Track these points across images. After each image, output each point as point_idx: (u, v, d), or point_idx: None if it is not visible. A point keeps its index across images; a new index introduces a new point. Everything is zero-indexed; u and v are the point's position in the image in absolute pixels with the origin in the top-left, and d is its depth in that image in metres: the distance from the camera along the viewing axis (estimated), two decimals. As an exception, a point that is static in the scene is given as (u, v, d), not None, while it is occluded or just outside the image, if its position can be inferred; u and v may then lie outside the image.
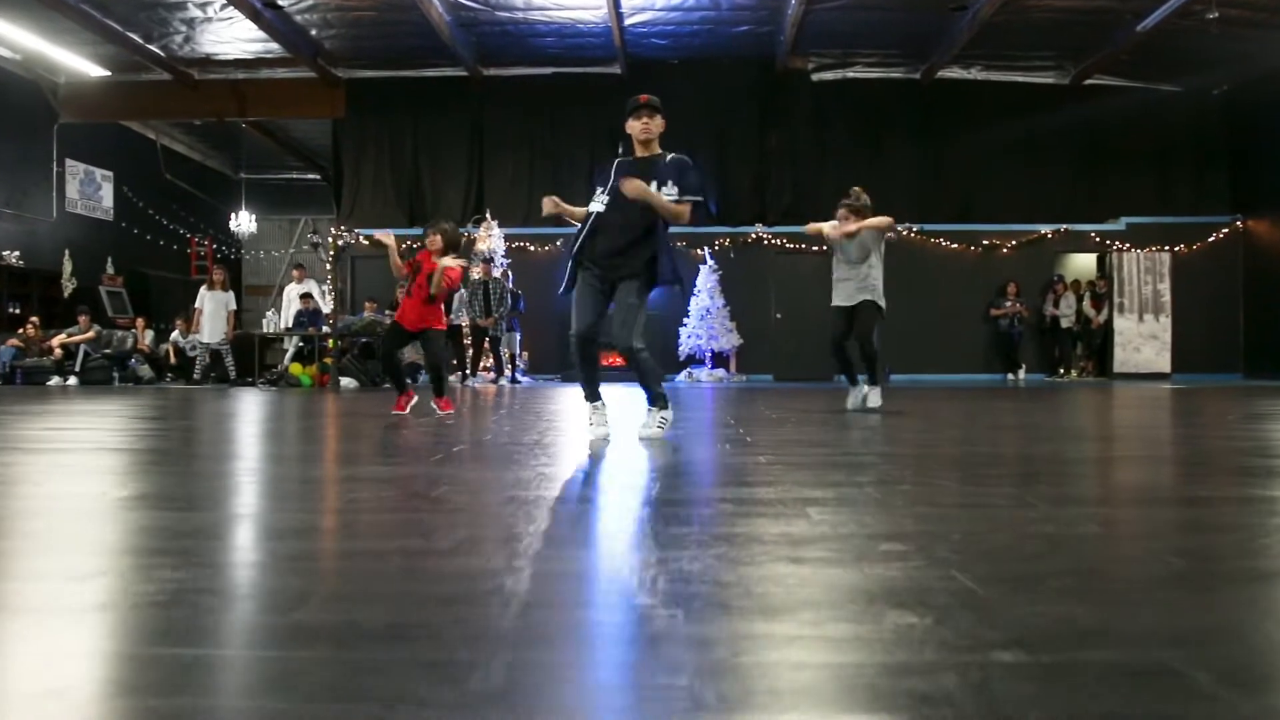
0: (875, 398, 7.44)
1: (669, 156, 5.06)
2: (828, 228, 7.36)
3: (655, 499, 3.00)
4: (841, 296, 7.45)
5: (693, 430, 5.85)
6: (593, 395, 5.17)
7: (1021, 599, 1.75)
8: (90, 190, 18.96)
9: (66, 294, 17.63)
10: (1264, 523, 2.63)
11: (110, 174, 19.43)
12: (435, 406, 7.07)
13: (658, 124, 5.04)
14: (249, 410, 8.41)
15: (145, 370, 14.91)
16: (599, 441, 4.89)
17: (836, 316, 7.50)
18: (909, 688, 1.28)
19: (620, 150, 5.29)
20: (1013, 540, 2.35)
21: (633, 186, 4.74)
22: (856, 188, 7.54)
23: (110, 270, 18.81)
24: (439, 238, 7.12)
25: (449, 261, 7.05)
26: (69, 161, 18.30)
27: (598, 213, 5.01)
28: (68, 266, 17.97)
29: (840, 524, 2.50)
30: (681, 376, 16.39)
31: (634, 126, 5.04)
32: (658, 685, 1.31)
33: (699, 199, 4.96)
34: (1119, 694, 1.27)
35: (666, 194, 4.88)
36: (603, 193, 5.03)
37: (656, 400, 5.12)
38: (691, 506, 2.86)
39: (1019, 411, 8.27)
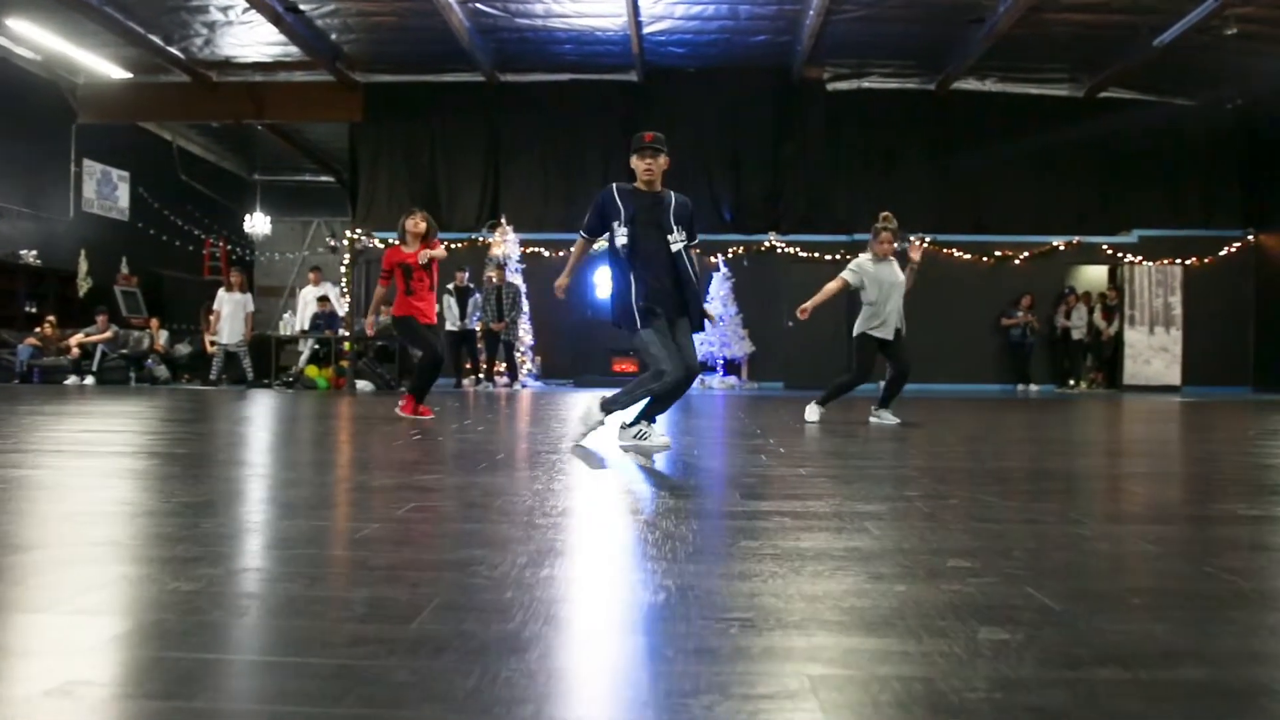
0: (890, 416, 7.57)
1: (674, 197, 5.20)
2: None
3: (716, 511, 3.07)
4: (888, 329, 7.45)
5: (724, 439, 5.91)
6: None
7: (1103, 617, 1.82)
8: (107, 190, 19.07)
9: (82, 293, 17.75)
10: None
11: (126, 174, 19.55)
12: (405, 412, 7.30)
13: (661, 164, 5.12)
14: (280, 412, 8.48)
15: (162, 370, 14.99)
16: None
17: (875, 350, 7.50)
18: (1024, 702, 1.36)
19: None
20: (1074, 557, 2.42)
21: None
22: (885, 213, 7.61)
23: (125, 270, 18.93)
24: (423, 223, 7.30)
25: (438, 252, 7.31)
26: (86, 161, 18.43)
27: (630, 247, 5.11)
28: (84, 266, 18.09)
29: (903, 539, 2.58)
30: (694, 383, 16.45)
31: (638, 165, 5.13)
32: (770, 694, 1.39)
33: (697, 246, 5.30)
34: (1224, 710, 1.35)
35: (675, 240, 5.12)
36: (620, 225, 5.12)
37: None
38: (752, 519, 2.92)
39: (1039, 424, 8.33)
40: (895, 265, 7.50)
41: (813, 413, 7.59)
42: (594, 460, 4.58)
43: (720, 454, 5.00)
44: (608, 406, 5.24)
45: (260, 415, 8.11)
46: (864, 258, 7.49)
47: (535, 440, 5.67)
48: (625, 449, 5.08)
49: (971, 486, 3.77)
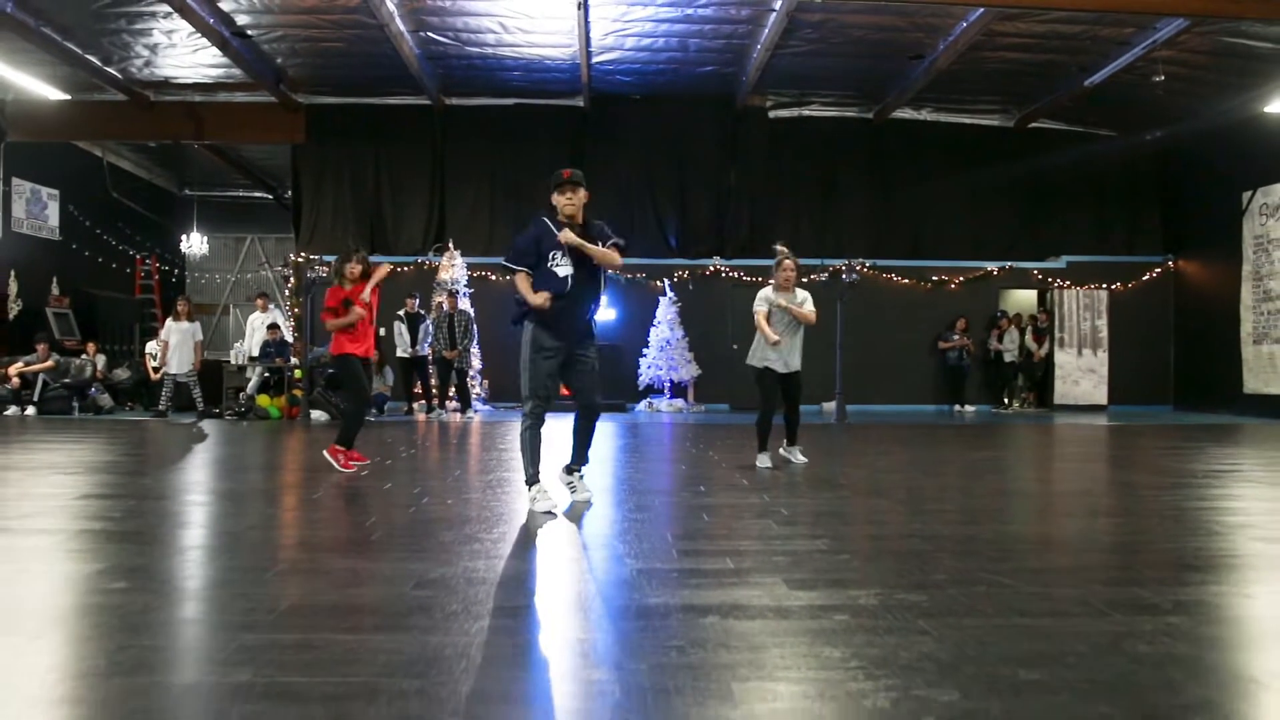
0: (800, 455, 7.99)
1: (593, 223, 5.56)
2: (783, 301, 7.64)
3: (778, 608, 3.29)
4: (779, 362, 7.68)
5: (723, 491, 6.14)
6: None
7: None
8: (36, 209, 18.58)
9: (12, 316, 17.28)
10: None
11: (56, 192, 19.05)
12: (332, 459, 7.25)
13: (580, 197, 5.44)
14: (245, 460, 8.45)
15: (105, 399, 14.69)
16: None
17: (775, 381, 7.72)
18: None
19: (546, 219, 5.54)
20: (1124, 665, 2.69)
21: (566, 236, 5.30)
22: (781, 245, 7.90)
23: (56, 291, 18.47)
24: (358, 267, 7.45)
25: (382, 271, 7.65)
26: (15, 180, 17.92)
27: (569, 276, 5.38)
28: (14, 287, 17.61)
29: (964, 643, 2.83)
30: (641, 406, 16.69)
31: (559, 200, 5.42)
32: None
33: (623, 241, 5.58)
34: None
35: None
36: (563, 256, 5.39)
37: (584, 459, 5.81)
38: (816, 618, 3.15)
39: (1002, 466, 8.74)
40: (798, 298, 7.70)
41: (763, 460, 7.74)
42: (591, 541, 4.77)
43: (731, 522, 5.20)
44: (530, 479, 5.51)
45: (227, 466, 8.08)
46: (767, 289, 7.73)
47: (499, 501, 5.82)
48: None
49: (986, 566, 4.03)
